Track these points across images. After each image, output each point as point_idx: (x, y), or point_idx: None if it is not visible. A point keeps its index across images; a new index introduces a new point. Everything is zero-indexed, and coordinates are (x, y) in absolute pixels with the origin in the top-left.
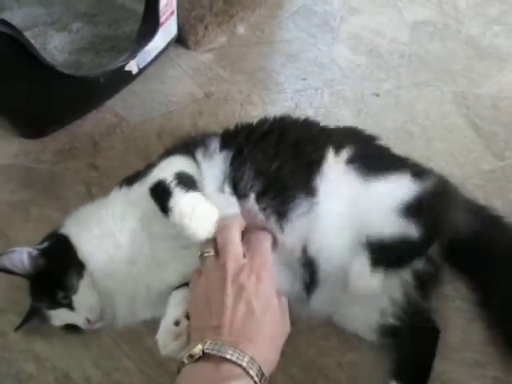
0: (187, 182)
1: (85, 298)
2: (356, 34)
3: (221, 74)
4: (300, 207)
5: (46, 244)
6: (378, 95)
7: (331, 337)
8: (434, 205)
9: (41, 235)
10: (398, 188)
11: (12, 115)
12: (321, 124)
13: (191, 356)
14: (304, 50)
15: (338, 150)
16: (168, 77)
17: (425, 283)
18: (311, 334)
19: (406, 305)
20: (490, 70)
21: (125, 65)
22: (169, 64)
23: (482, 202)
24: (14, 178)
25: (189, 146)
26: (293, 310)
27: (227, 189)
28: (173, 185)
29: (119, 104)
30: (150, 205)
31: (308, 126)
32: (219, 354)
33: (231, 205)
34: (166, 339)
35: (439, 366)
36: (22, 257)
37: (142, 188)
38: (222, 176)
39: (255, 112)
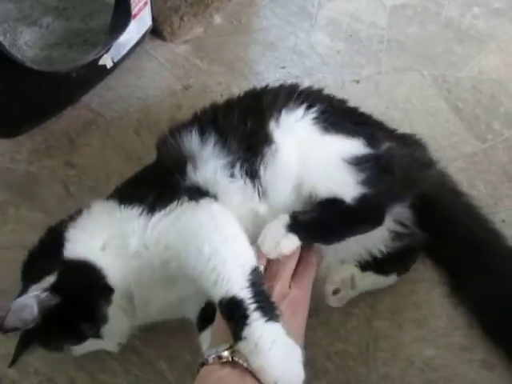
0: (265, 299)
1: (116, 324)
2: (334, 19)
3: (199, 66)
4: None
5: (53, 278)
6: (358, 82)
7: (318, 327)
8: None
9: (19, 237)
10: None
11: None
12: None
13: (220, 357)
14: (282, 39)
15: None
16: (144, 70)
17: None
18: None
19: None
20: (470, 52)
21: (98, 59)
22: (145, 57)
23: (465, 184)
24: None
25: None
26: None
27: (238, 172)
28: (251, 307)
29: (95, 100)
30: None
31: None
32: (246, 365)
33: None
34: None
35: (427, 351)
36: (30, 306)
37: (167, 223)
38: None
39: None
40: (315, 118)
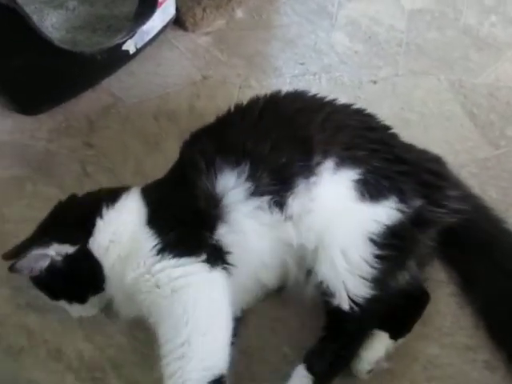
0: None
1: (89, 306)
2: (354, 20)
3: (219, 57)
4: (297, 190)
5: (71, 251)
6: (375, 82)
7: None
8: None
9: (34, 212)
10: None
11: (9, 90)
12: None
13: None
14: (302, 36)
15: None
16: (165, 58)
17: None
18: (304, 316)
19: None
20: (488, 59)
21: (122, 43)
22: (166, 46)
23: (476, 189)
24: (8, 155)
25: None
26: (287, 291)
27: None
28: None
29: (115, 84)
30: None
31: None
32: None
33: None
34: None
35: (431, 349)
36: (42, 262)
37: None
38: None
39: (253, 95)
40: (357, 182)
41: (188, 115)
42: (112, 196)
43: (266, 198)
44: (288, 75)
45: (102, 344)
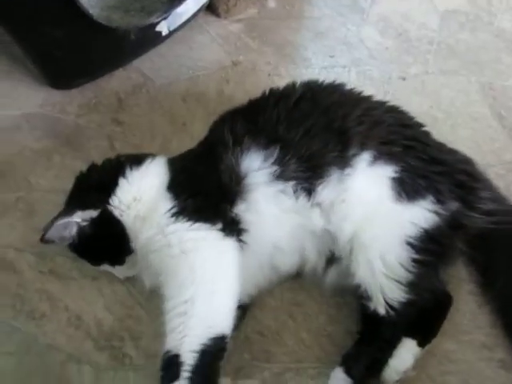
0: (205, 375)
1: (128, 267)
2: (385, 16)
3: (249, 45)
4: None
5: (95, 214)
6: (404, 79)
7: (343, 306)
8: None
9: (61, 183)
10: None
11: (44, 63)
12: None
13: None
14: (333, 29)
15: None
16: (196, 42)
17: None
18: (323, 302)
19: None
20: None
21: (156, 24)
22: (198, 30)
23: (502, 191)
24: (39, 127)
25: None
26: (305, 276)
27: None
28: (183, 375)
29: (146, 65)
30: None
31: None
32: None
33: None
34: None
35: (448, 345)
36: (69, 229)
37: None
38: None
39: (282, 83)
40: (394, 180)
41: (216, 99)
42: (136, 159)
43: (292, 183)
44: (317, 66)
45: (121, 315)
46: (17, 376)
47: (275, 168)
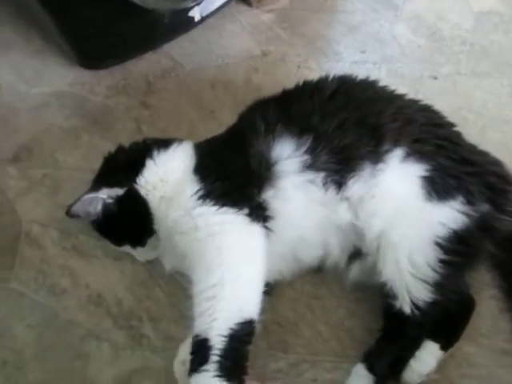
0: (234, 358)
1: (150, 249)
2: (419, 15)
3: (280, 35)
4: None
5: (121, 192)
6: (435, 78)
7: (363, 302)
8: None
9: (88, 162)
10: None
11: (77, 43)
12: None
13: None
14: (365, 24)
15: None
16: (227, 31)
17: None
18: (343, 297)
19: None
20: None
21: (189, 9)
22: (229, 18)
23: None
24: (67, 105)
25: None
26: (327, 271)
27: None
28: (212, 358)
29: (176, 50)
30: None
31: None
32: None
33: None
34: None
35: (467, 348)
36: (95, 205)
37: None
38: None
39: (311, 76)
40: (424, 179)
41: (244, 87)
42: (163, 143)
43: (322, 175)
44: (348, 61)
45: (141, 296)
46: (37, 348)
47: (306, 157)
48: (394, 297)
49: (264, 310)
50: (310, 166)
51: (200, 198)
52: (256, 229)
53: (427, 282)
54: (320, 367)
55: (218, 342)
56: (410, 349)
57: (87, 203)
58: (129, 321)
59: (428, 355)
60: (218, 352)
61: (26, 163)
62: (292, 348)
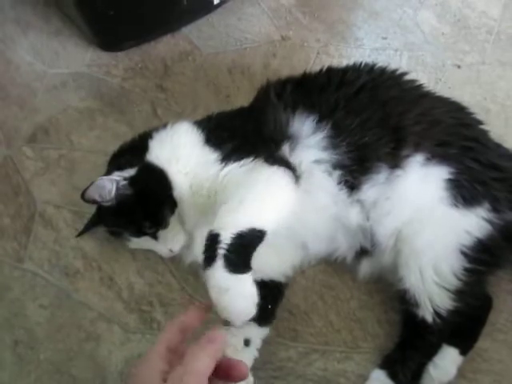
0: (239, 253)
1: (173, 233)
2: (444, 1)
3: (300, 20)
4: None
5: (133, 172)
6: (459, 67)
7: (375, 293)
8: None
9: (103, 144)
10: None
11: (96, 23)
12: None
13: None
14: (388, 9)
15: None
16: (246, 14)
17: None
18: (355, 288)
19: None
20: None
21: None
22: (249, 2)
23: None
24: (84, 86)
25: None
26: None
27: (336, 176)
28: (220, 252)
29: (194, 33)
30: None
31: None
32: None
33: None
34: None
35: (482, 343)
36: (109, 187)
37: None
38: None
39: (330, 63)
40: (449, 182)
41: (262, 72)
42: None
43: (338, 172)
44: (368, 47)
45: (152, 280)
46: (49, 328)
47: (325, 140)
48: (416, 305)
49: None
50: (329, 149)
51: (221, 162)
52: (280, 169)
53: (450, 291)
54: (330, 357)
55: (226, 238)
56: (429, 355)
57: (101, 186)
58: (139, 305)
59: (449, 363)
60: (225, 246)
61: (42, 144)
62: (302, 337)
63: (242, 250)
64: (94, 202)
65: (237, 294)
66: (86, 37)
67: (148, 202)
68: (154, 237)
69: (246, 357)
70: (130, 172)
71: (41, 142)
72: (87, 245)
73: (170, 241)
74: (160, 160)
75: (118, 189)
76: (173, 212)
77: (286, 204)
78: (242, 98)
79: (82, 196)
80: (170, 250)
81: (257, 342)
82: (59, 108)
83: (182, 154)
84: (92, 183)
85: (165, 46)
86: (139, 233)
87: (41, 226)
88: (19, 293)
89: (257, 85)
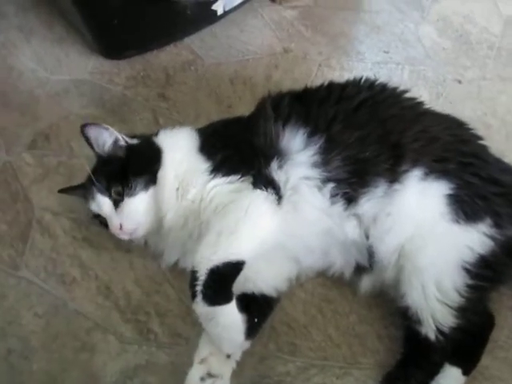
0: (216, 286)
1: (135, 208)
2: (446, 16)
3: (302, 33)
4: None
5: (135, 141)
6: (460, 82)
7: (375, 308)
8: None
9: None
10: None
11: (100, 32)
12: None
13: None
14: (390, 24)
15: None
16: (249, 26)
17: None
18: (354, 301)
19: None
20: None
21: (213, 2)
22: (252, 14)
23: None
24: (86, 94)
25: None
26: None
27: (328, 191)
28: (198, 289)
29: (197, 43)
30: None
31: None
32: None
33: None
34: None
35: (483, 360)
36: (107, 139)
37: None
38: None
39: (332, 76)
40: (450, 197)
41: (264, 84)
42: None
43: (331, 185)
44: (370, 61)
45: (149, 290)
46: (44, 338)
47: (316, 156)
48: (419, 322)
49: (274, 311)
50: (320, 166)
51: (210, 173)
52: (263, 194)
53: (453, 308)
54: (329, 372)
55: (202, 274)
56: (432, 374)
57: (102, 132)
58: (136, 315)
59: (452, 383)
60: (201, 282)
61: (42, 150)
62: (301, 351)
63: (218, 283)
64: (87, 140)
65: (219, 324)
66: (89, 44)
67: (130, 167)
68: (116, 205)
69: (225, 369)
70: (133, 141)
71: (41, 148)
72: (84, 253)
73: (126, 216)
74: (162, 144)
75: (114, 145)
76: (146, 187)
77: (265, 231)
78: (244, 109)
79: (82, 127)
80: (121, 226)
81: (237, 355)
82: (61, 115)
83: (176, 156)
84: (98, 124)
85: (167, 55)
86: (107, 191)
87: (38, 233)
88: (14, 301)
89: (258, 96)
